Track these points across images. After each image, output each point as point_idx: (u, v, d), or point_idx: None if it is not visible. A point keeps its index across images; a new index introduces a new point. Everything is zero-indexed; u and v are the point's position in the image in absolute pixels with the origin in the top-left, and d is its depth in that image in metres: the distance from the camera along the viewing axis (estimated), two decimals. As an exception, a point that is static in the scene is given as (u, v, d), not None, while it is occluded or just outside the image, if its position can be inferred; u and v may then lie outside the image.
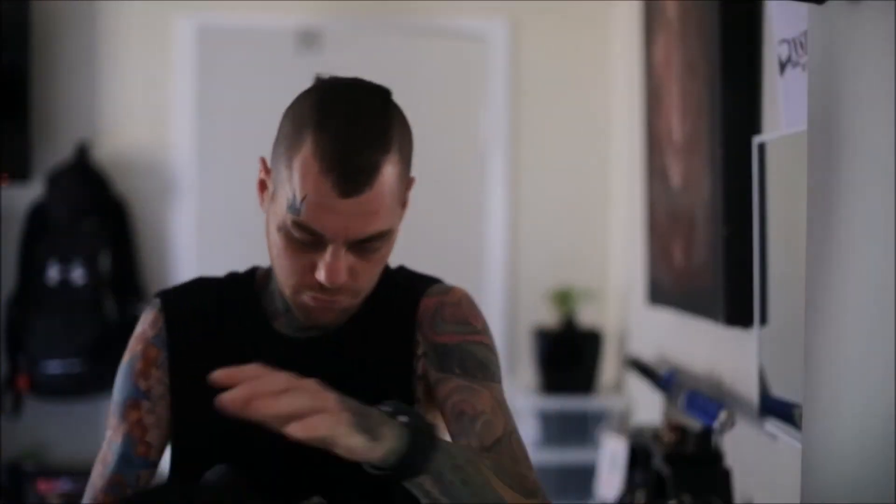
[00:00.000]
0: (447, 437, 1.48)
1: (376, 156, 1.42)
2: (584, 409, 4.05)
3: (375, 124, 1.45)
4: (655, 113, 3.16)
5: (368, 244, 1.46)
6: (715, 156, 2.52)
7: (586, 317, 4.19)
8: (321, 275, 1.44)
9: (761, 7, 2.39)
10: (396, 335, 1.58)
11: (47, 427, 4.07)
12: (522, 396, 4.14)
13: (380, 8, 4.35)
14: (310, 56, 4.32)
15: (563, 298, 4.14)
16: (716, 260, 2.53)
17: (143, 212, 4.27)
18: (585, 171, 4.42)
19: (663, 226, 3.08)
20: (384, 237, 1.48)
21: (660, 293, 3.16)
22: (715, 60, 2.50)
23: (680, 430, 2.58)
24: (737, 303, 2.43)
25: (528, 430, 4.01)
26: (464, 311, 1.62)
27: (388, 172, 1.43)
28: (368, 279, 1.51)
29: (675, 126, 2.91)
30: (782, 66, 2.11)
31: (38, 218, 4.09)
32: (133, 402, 1.55)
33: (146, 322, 1.59)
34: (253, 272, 1.64)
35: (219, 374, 1.23)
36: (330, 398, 1.26)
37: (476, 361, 1.55)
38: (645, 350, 3.60)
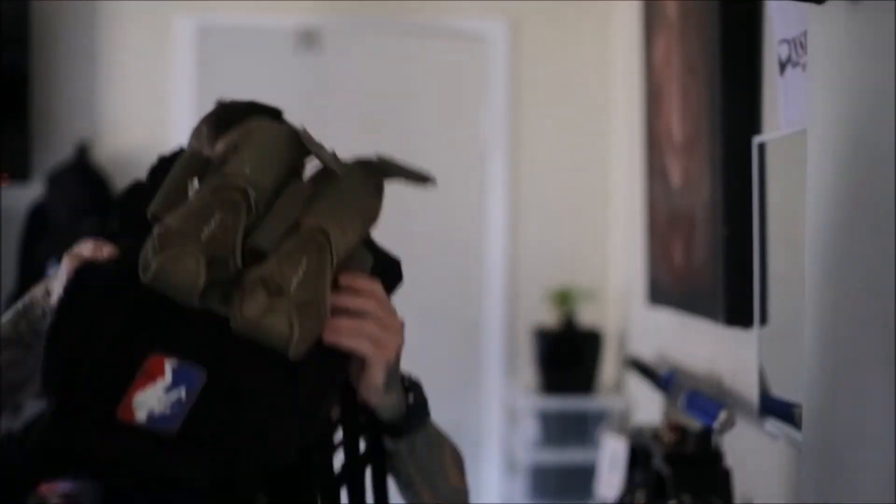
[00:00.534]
0: None
1: None
2: (584, 409, 4.05)
3: None
4: (655, 113, 3.16)
5: None
6: (715, 156, 2.52)
7: (586, 317, 4.19)
8: None
9: (761, 7, 2.39)
10: None
11: (47, 427, 4.07)
12: (522, 396, 4.14)
13: (380, 8, 4.35)
14: (310, 56, 4.32)
15: (563, 298, 4.14)
16: (716, 260, 2.53)
17: (143, 212, 4.27)
18: (585, 171, 4.42)
19: (663, 226, 3.08)
20: None
21: (660, 293, 3.16)
22: (715, 60, 2.50)
23: (680, 430, 2.58)
24: (737, 303, 2.43)
25: (528, 430, 4.01)
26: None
27: None
28: None
29: (675, 126, 2.91)
30: (782, 66, 2.11)
31: (38, 218, 4.09)
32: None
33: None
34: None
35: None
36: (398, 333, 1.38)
37: None
38: (645, 350, 3.60)
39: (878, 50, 1.40)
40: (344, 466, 1.43)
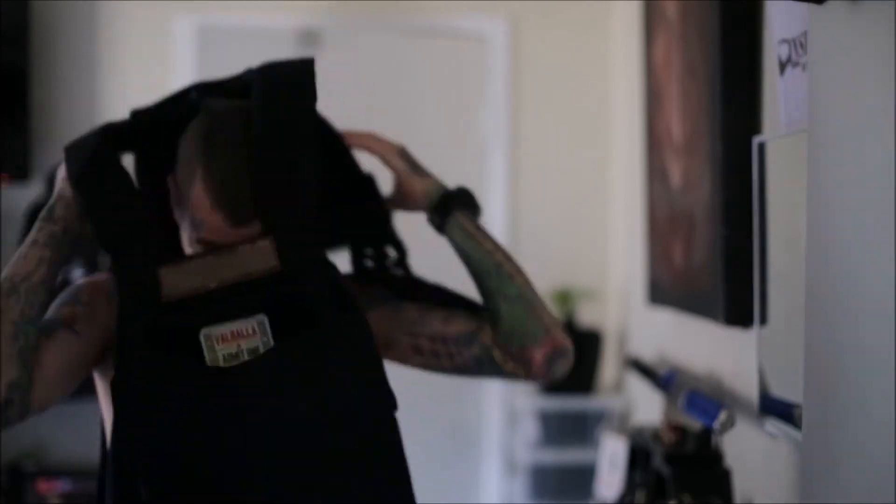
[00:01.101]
0: None
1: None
2: (584, 409, 4.05)
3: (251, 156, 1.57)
4: (655, 113, 3.16)
5: None
6: (715, 156, 2.52)
7: (586, 317, 4.19)
8: None
9: (761, 7, 2.39)
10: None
11: (47, 427, 4.07)
12: (522, 396, 4.14)
13: (380, 8, 4.35)
14: (310, 56, 4.32)
15: (563, 298, 4.14)
16: (716, 260, 2.53)
17: (143, 212, 4.27)
18: (585, 171, 4.42)
19: (663, 226, 3.08)
20: None
21: (660, 293, 3.16)
22: (715, 60, 2.50)
23: (680, 430, 2.58)
24: (737, 303, 2.43)
25: (528, 430, 4.02)
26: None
27: None
28: None
29: (675, 126, 2.91)
30: (782, 66, 2.11)
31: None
32: (70, 306, 1.56)
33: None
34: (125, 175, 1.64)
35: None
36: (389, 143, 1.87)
37: None
38: (645, 350, 3.60)
39: (878, 50, 1.40)
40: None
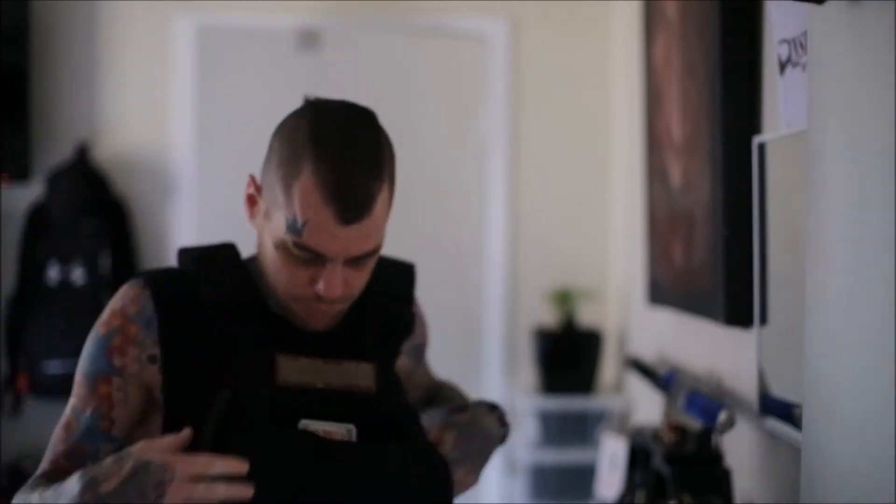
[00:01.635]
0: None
1: (372, 185, 1.55)
2: (584, 409, 4.05)
3: (369, 154, 1.58)
4: (655, 113, 3.16)
5: (363, 259, 1.59)
6: (715, 156, 2.52)
7: (586, 317, 4.19)
8: (321, 288, 1.57)
9: (761, 7, 2.39)
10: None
11: (47, 427, 4.05)
12: (522, 396, 4.14)
13: (380, 8, 4.35)
14: (310, 56, 4.32)
15: (563, 299, 4.14)
16: (716, 260, 2.53)
17: (143, 212, 4.27)
18: (585, 171, 4.42)
19: (663, 226, 3.08)
20: (377, 252, 1.61)
21: (660, 293, 3.16)
22: (715, 60, 2.50)
23: (680, 430, 2.58)
24: (737, 303, 2.43)
25: (528, 430, 4.01)
26: (424, 317, 1.90)
27: (382, 198, 1.56)
28: (361, 285, 1.63)
29: (675, 126, 2.91)
30: (782, 66, 2.12)
31: (38, 218, 4.09)
32: (104, 377, 1.60)
33: (126, 298, 1.61)
34: (238, 260, 1.69)
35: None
36: None
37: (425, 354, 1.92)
38: (645, 350, 3.60)
39: (878, 50, 1.40)
40: None
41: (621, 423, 3.89)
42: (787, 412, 2.06)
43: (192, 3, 4.30)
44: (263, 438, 1.53)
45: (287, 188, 1.54)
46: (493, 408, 1.84)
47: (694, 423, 2.57)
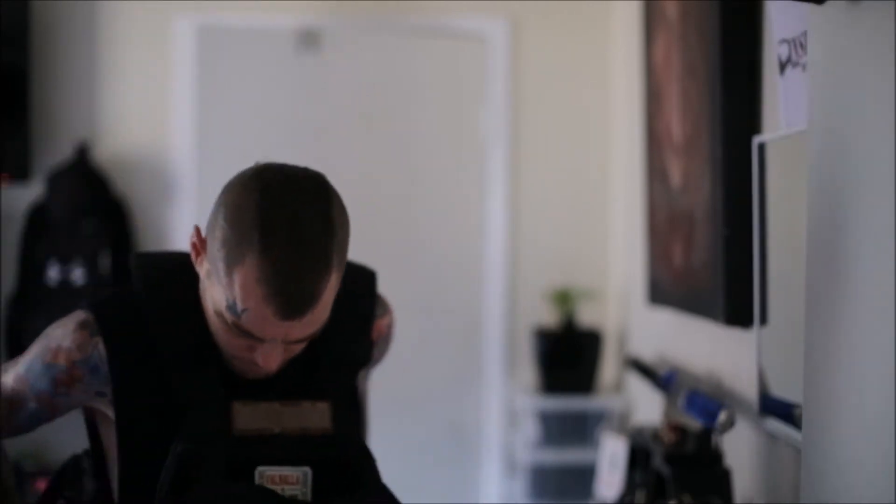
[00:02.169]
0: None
1: (318, 280, 1.48)
2: (584, 409, 4.05)
3: (317, 245, 1.49)
4: (655, 113, 3.16)
5: (304, 340, 1.56)
6: (715, 156, 2.52)
7: (586, 317, 4.19)
8: (260, 361, 1.55)
9: (761, 7, 2.39)
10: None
11: (47, 427, 4.06)
12: (522, 396, 4.14)
13: (380, 8, 4.35)
14: (310, 56, 4.32)
15: (563, 298, 4.14)
16: (716, 260, 2.53)
17: (143, 212, 4.27)
18: (585, 170, 4.42)
19: (663, 226, 3.08)
20: (320, 329, 1.56)
21: (660, 293, 3.16)
22: (715, 60, 2.50)
23: (680, 430, 2.58)
24: (737, 303, 2.43)
25: (528, 430, 4.01)
26: (393, 331, 1.85)
27: (329, 289, 1.51)
28: (302, 348, 1.60)
29: (675, 126, 2.91)
30: (782, 66, 2.12)
31: (38, 218, 4.09)
32: (49, 395, 1.64)
33: (73, 342, 1.60)
34: (194, 290, 1.62)
35: None
36: None
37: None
38: (645, 350, 3.60)
39: (878, 50, 1.40)
40: None
41: (621, 423, 3.89)
42: (787, 412, 2.06)
43: (192, 3, 4.30)
44: (221, 495, 1.54)
45: (228, 271, 1.48)
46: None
47: (694, 423, 2.57)
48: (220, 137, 4.31)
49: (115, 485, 1.65)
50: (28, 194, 4.11)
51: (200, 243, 1.56)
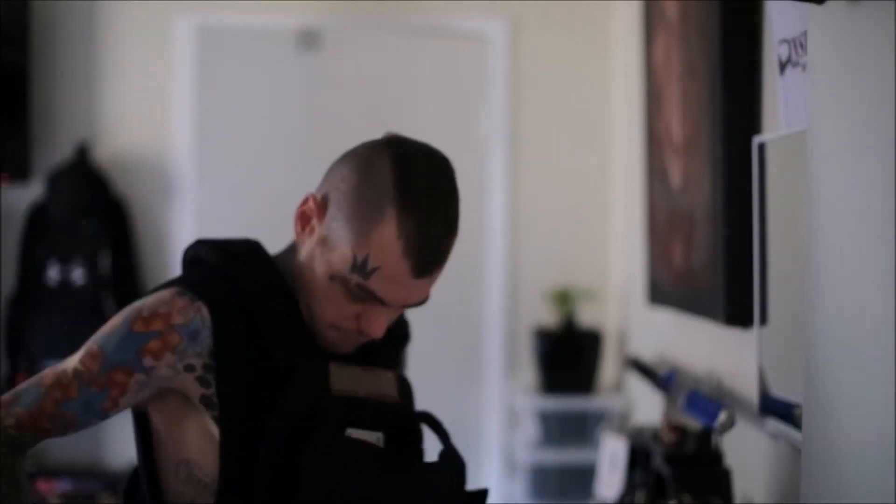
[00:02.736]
0: None
1: (449, 243, 1.57)
2: (584, 409, 4.05)
3: (452, 210, 1.59)
4: (655, 113, 3.16)
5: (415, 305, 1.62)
6: (715, 156, 2.52)
7: (586, 317, 4.19)
8: (365, 327, 1.58)
9: (761, 7, 2.39)
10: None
11: (47, 427, 4.06)
12: (522, 396, 4.14)
13: (380, 8, 4.35)
14: (310, 56, 4.32)
15: (563, 299, 4.14)
16: (716, 260, 2.53)
17: (143, 212, 4.27)
18: (585, 171, 4.42)
19: (663, 226, 3.08)
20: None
21: (660, 293, 3.16)
22: (715, 60, 2.50)
23: (680, 430, 2.58)
24: (737, 303, 2.43)
25: (528, 430, 4.02)
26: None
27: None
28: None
29: (675, 126, 2.91)
30: (782, 66, 2.11)
31: (38, 218, 4.09)
32: (128, 370, 1.55)
33: (173, 307, 1.56)
34: (274, 265, 1.65)
35: None
36: None
37: None
38: (645, 350, 3.60)
39: (878, 50, 1.40)
40: None
41: (621, 423, 3.89)
42: (787, 412, 2.06)
43: (192, 3, 4.30)
44: (341, 447, 1.55)
45: (364, 229, 1.52)
46: None
47: (694, 423, 2.57)
48: (220, 137, 4.32)
49: (166, 486, 1.63)
50: (28, 194, 4.11)
51: (318, 208, 1.58)
